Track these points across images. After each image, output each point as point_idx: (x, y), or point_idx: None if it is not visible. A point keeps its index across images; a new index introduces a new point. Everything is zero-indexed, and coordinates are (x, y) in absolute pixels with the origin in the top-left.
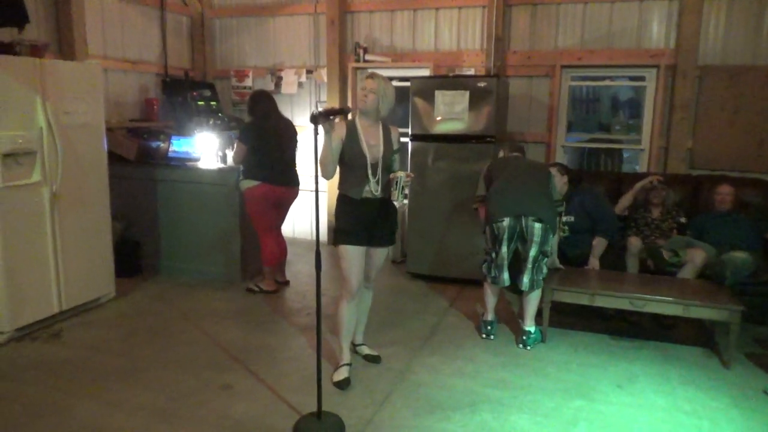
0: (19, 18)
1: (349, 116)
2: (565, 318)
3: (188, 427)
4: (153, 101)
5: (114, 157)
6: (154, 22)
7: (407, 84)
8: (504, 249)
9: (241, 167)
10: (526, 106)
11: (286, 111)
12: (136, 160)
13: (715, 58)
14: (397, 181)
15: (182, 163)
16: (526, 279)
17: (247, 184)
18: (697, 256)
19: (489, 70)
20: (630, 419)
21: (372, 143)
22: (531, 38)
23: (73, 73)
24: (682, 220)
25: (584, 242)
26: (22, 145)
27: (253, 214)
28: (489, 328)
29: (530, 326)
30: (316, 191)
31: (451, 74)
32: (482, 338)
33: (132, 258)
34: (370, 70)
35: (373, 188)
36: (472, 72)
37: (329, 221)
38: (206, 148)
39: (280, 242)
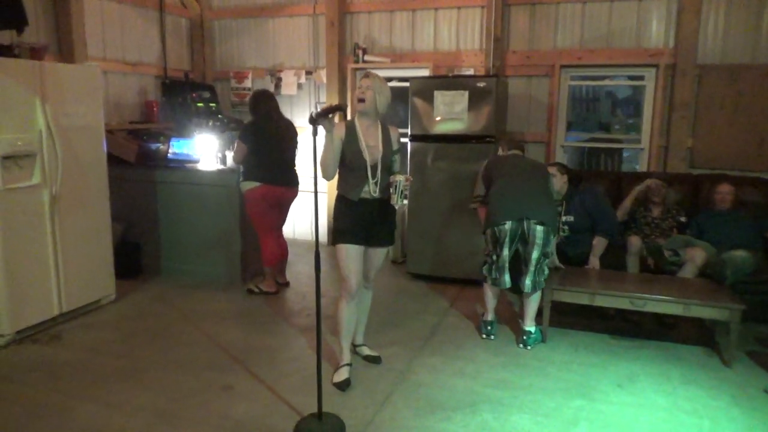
0: (18, 20)
1: (348, 115)
2: (565, 318)
3: (189, 428)
4: (152, 103)
5: (114, 159)
6: (153, 24)
7: (407, 84)
8: (505, 252)
9: (241, 168)
10: (526, 106)
11: (285, 112)
12: (135, 161)
13: (715, 57)
14: (396, 185)
15: (182, 165)
16: (528, 281)
17: (247, 185)
18: (697, 256)
19: (488, 70)
20: (631, 419)
21: (371, 144)
22: (530, 38)
23: (73, 76)
24: (683, 219)
25: (584, 242)
26: (21, 147)
27: (254, 215)
28: (489, 328)
29: (530, 326)
30: (316, 192)
31: (450, 74)
32: (482, 338)
33: (132, 259)
34: (366, 71)
35: (371, 189)
36: (471, 72)
37: (329, 222)
38: (206, 150)
39: (281, 243)
